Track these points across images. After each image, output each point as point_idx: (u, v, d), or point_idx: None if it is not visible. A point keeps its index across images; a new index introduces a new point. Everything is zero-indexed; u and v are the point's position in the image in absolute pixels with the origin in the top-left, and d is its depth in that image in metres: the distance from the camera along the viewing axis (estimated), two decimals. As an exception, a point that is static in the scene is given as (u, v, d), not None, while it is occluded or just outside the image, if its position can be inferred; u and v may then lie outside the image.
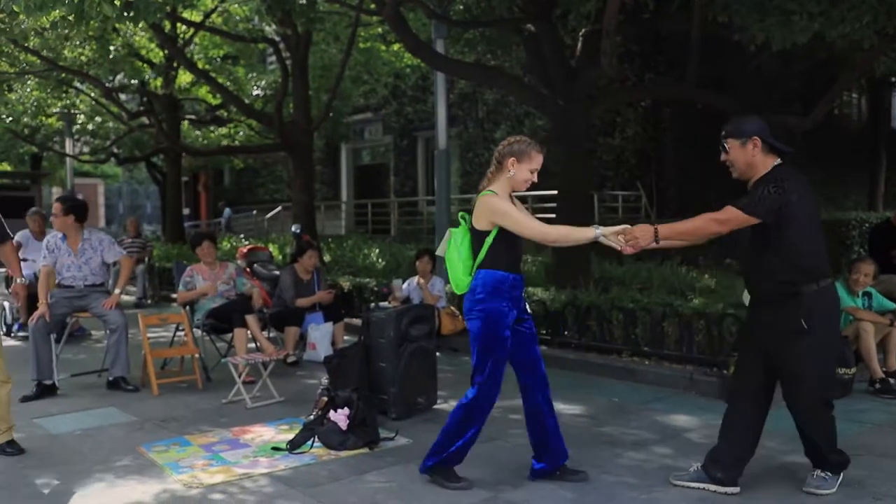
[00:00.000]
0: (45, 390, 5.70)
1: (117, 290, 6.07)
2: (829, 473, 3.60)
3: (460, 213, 3.77)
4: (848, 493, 3.58)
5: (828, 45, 7.24)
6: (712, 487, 3.59)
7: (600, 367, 6.38)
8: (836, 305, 3.60)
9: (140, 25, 13.44)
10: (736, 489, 3.58)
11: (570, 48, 10.18)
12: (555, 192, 9.26)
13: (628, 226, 3.52)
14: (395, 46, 14.88)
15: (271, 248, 12.50)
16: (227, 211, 25.23)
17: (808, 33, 6.57)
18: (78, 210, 6.01)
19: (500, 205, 3.55)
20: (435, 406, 5.31)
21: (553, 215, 10.16)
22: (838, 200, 15.62)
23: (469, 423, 3.65)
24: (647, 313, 6.41)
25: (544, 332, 7.26)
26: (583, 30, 9.05)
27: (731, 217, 3.40)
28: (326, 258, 12.68)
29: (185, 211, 25.25)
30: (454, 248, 3.68)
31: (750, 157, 3.48)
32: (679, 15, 9.12)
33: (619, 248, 3.50)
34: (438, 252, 3.84)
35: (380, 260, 11.96)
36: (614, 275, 8.66)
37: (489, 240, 3.56)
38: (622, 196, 14.80)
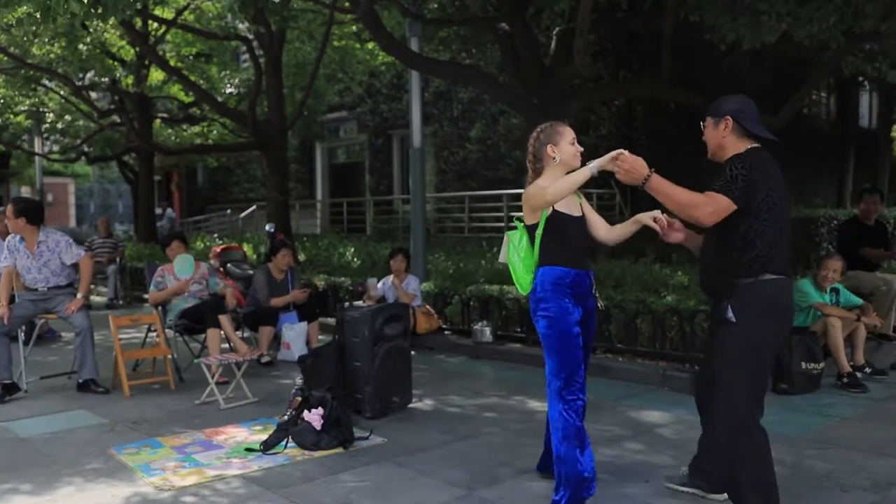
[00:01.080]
0: (6, 389, 5.60)
1: (80, 294, 5.97)
2: None
3: (515, 216, 3.62)
4: (815, 486, 3.64)
5: (796, 44, 7.35)
6: (700, 493, 3.50)
7: (575, 365, 6.40)
8: (769, 304, 3.06)
9: (110, 22, 13.26)
10: (723, 496, 3.39)
11: (544, 47, 10.22)
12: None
13: (624, 151, 3.13)
14: (370, 45, 14.82)
15: (245, 247, 12.40)
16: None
17: (776, 33, 6.67)
18: (30, 212, 5.86)
19: (531, 187, 3.37)
20: (410, 405, 5.31)
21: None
22: (808, 198, 15.85)
23: (570, 442, 3.28)
24: (620, 310, 6.46)
25: (518, 329, 7.30)
26: (556, 28, 9.09)
27: (720, 204, 3.00)
28: (301, 257, 12.61)
29: (158, 210, 24.98)
30: (513, 251, 3.49)
31: (720, 137, 3.21)
32: (652, 14, 9.20)
33: (615, 173, 3.15)
34: (501, 259, 3.69)
35: (355, 259, 11.91)
36: (588, 272, 8.70)
37: (538, 233, 3.39)
38: (596, 194, 14.86)
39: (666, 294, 6.80)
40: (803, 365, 5.46)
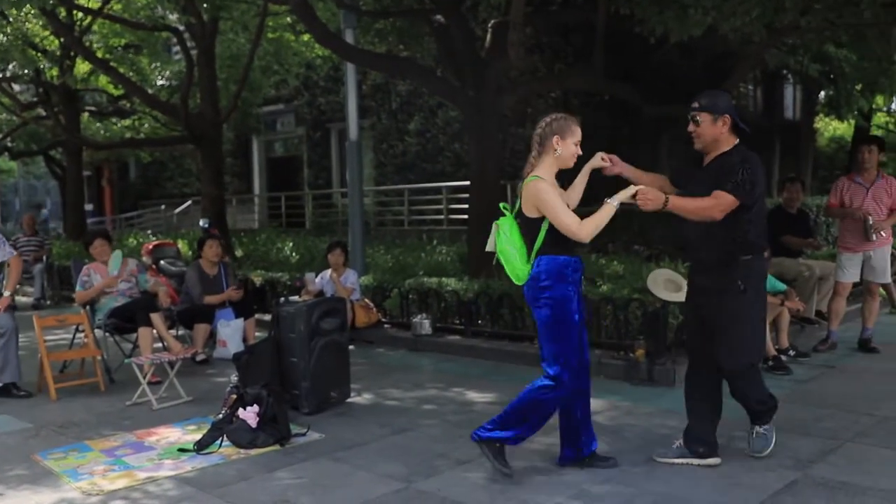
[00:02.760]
0: None
1: (6, 293, 5.74)
2: (765, 427, 3.87)
3: (501, 205, 3.70)
4: (742, 466, 3.77)
5: (722, 38, 7.55)
6: (695, 461, 3.78)
7: (512, 355, 6.47)
8: (764, 274, 3.91)
9: (32, 12, 12.72)
10: (717, 460, 3.78)
11: (480, 39, 10.25)
12: (467, 182, 9.33)
13: (642, 186, 3.52)
14: (305, 37, 14.59)
15: (180, 243, 12.10)
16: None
17: (702, 26, 6.85)
18: None
19: (545, 193, 3.46)
20: (348, 400, 5.28)
21: (466, 206, 10.23)
22: (738, 187, 16.35)
23: (537, 411, 3.59)
24: (557, 300, 6.53)
25: (457, 321, 7.33)
26: (492, 21, 9.12)
27: (727, 202, 3.55)
28: (238, 253, 12.39)
29: (89, 207, 24.13)
30: (505, 240, 3.57)
31: (718, 133, 3.68)
32: (585, 6, 9.31)
33: (636, 203, 3.48)
34: (488, 248, 3.71)
35: (293, 253, 11.77)
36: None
37: (545, 225, 3.48)
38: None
39: (601, 283, 6.93)
40: (731, 349, 5.63)
